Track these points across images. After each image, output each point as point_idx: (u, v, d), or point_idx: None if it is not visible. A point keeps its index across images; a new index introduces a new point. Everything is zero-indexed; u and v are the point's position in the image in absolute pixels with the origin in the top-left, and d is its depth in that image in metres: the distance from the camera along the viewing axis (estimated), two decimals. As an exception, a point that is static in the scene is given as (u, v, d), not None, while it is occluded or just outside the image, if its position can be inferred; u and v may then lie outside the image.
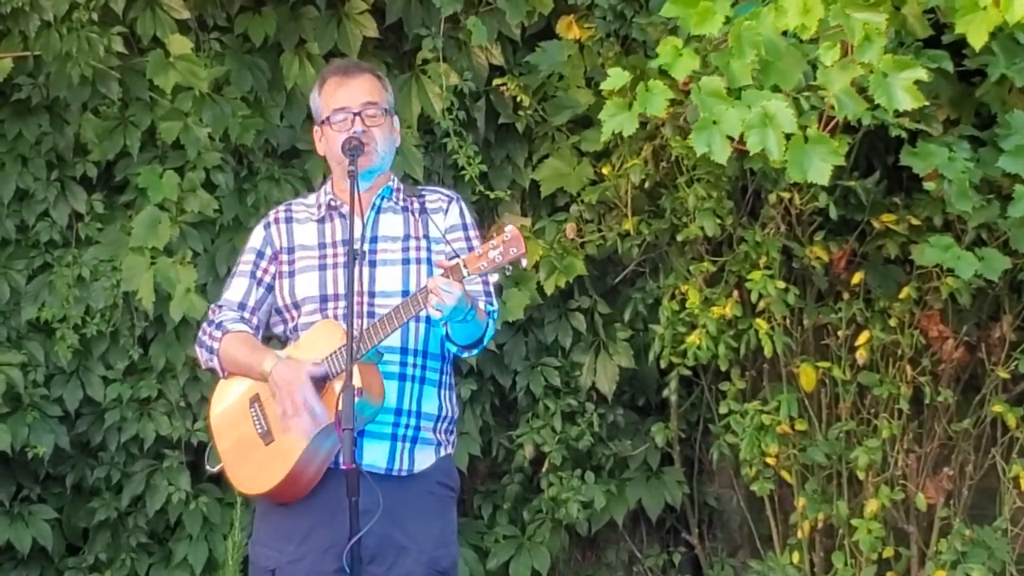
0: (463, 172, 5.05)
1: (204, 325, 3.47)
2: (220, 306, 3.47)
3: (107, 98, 5.10)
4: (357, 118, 3.35)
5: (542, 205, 5.27)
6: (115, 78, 5.06)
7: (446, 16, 4.95)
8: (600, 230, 5.12)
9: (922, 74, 3.96)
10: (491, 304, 3.38)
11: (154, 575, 5.21)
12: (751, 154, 4.00)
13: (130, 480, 5.17)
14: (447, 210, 3.44)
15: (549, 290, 5.10)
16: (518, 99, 5.14)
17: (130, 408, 5.14)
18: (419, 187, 3.59)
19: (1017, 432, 4.87)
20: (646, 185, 5.01)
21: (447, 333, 3.30)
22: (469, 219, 3.47)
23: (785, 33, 4.07)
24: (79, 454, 5.23)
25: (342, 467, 3.09)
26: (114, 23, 5.04)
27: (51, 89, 5.07)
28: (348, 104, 3.36)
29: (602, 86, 4.39)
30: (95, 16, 4.95)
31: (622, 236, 5.07)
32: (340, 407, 3.04)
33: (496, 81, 5.17)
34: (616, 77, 4.21)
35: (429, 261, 3.36)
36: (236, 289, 3.47)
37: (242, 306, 3.45)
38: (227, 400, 3.43)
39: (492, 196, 5.09)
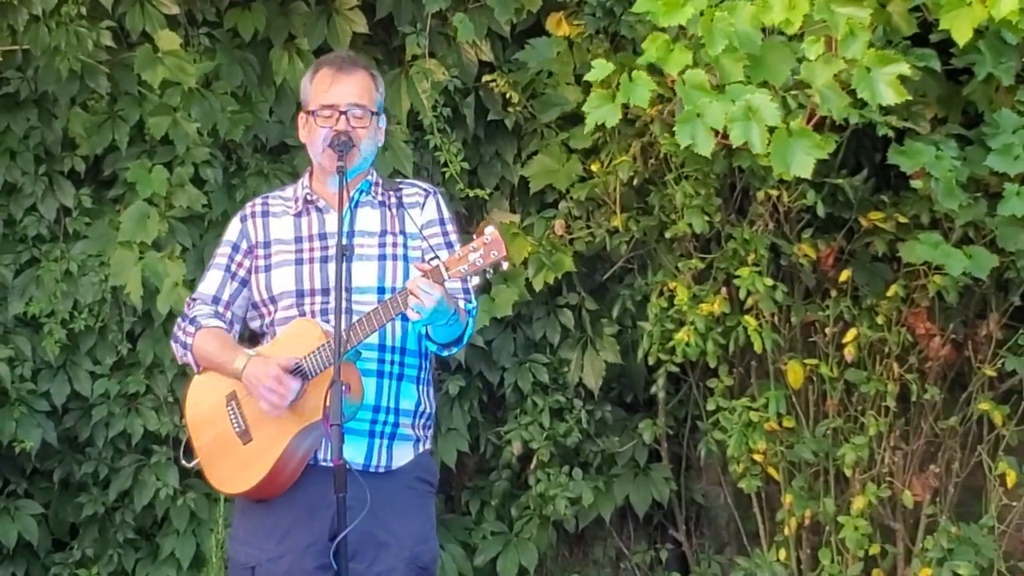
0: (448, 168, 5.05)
1: (179, 320, 3.47)
2: (195, 299, 3.47)
3: (95, 93, 5.09)
4: (343, 117, 3.34)
5: (531, 201, 5.27)
6: (104, 73, 5.06)
7: (434, 12, 4.94)
8: (589, 227, 5.12)
9: (905, 69, 3.96)
10: (470, 302, 3.37)
11: (141, 570, 5.20)
12: (735, 147, 4.01)
13: (118, 475, 5.17)
14: (423, 204, 3.43)
15: (537, 286, 5.11)
16: (507, 96, 5.14)
17: (118, 403, 5.14)
18: (397, 180, 3.57)
19: (1003, 429, 4.89)
20: (635, 182, 5.02)
21: (427, 333, 3.29)
22: (447, 213, 3.46)
23: (765, 29, 4.08)
24: (66, 449, 5.22)
25: (322, 464, 3.09)
26: (103, 17, 5.02)
27: (39, 83, 5.07)
28: (336, 102, 3.35)
29: (586, 77, 4.39)
30: (84, 10, 4.94)
31: (611, 233, 5.07)
32: (328, 403, 3.04)
33: (485, 78, 5.17)
34: (600, 68, 4.21)
35: (405, 258, 3.35)
36: (210, 282, 3.47)
37: (216, 299, 3.44)
38: (203, 397, 3.41)
39: (471, 195, 5.07)
